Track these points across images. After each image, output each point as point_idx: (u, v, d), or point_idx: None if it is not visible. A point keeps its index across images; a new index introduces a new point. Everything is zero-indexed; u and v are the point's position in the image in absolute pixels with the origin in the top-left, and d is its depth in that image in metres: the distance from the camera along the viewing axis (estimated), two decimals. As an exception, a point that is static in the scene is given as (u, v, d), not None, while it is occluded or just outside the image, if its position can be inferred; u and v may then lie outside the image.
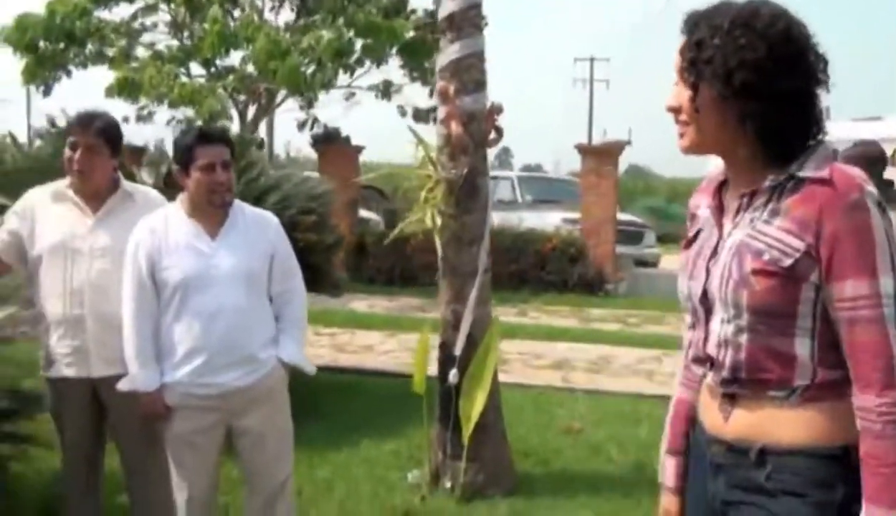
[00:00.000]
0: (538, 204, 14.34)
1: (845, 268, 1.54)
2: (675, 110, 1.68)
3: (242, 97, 13.16)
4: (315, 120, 13.33)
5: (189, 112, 12.31)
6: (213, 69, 13.48)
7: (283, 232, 3.27)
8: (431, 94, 13.61)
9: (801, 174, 1.58)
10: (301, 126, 13.48)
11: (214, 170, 3.04)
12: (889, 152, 4.64)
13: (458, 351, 4.35)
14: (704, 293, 1.69)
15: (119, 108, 16.12)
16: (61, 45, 13.22)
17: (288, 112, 13.85)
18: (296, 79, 11.27)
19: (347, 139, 14.23)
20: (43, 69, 13.21)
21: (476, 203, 4.40)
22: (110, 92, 12.08)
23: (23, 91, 23.06)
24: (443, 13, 4.34)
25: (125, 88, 12.10)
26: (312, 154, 13.20)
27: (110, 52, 13.41)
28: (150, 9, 14.05)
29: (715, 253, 1.69)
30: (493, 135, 4.45)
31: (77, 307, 3.17)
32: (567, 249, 12.64)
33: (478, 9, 4.37)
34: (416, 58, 13.35)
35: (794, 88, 1.58)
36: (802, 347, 1.59)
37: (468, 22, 4.32)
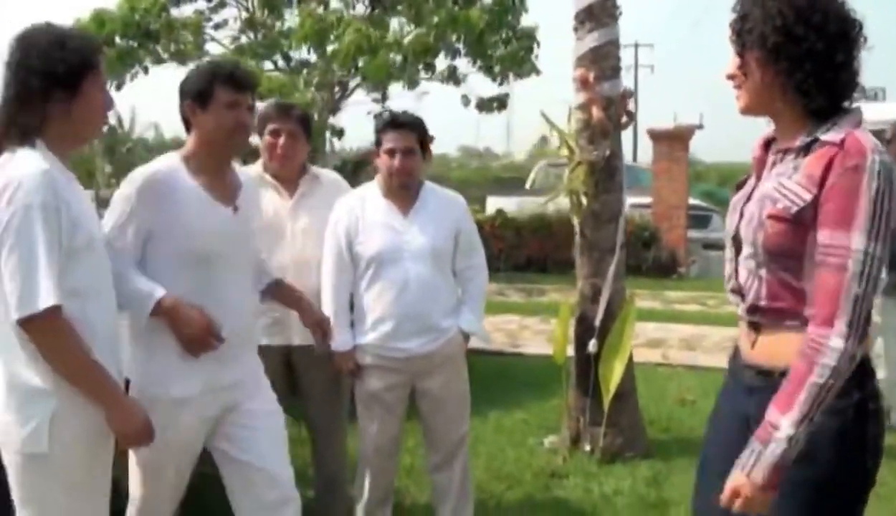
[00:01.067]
0: None
1: (828, 219, 1.76)
2: (732, 77, 1.96)
3: (313, 89, 13.37)
4: (390, 111, 13.51)
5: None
6: (283, 63, 13.72)
7: (468, 212, 3.53)
8: (495, 81, 13.71)
9: (823, 137, 1.83)
10: (376, 117, 13.68)
11: (395, 155, 3.32)
12: None
13: (597, 322, 4.59)
14: (737, 231, 1.98)
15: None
16: (135, 43, 13.46)
17: (357, 105, 14.09)
18: (383, 73, 11.43)
19: (419, 129, 14.29)
20: (121, 64, 13.43)
21: (614, 183, 4.66)
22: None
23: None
24: (580, 5, 4.57)
25: (209, 81, 12.35)
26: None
27: (182, 48, 13.64)
28: (220, 6, 14.30)
29: (749, 198, 1.97)
30: (624, 118, 4.69)
31: None
32: (640, 234, 12.77)
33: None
34: (482, 47, 13.44)
35: (820, 50, 1.80)
36: (810, 284, 1.83)
37: (605, 13, 4.56)
